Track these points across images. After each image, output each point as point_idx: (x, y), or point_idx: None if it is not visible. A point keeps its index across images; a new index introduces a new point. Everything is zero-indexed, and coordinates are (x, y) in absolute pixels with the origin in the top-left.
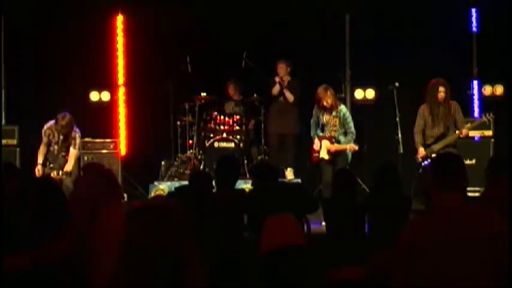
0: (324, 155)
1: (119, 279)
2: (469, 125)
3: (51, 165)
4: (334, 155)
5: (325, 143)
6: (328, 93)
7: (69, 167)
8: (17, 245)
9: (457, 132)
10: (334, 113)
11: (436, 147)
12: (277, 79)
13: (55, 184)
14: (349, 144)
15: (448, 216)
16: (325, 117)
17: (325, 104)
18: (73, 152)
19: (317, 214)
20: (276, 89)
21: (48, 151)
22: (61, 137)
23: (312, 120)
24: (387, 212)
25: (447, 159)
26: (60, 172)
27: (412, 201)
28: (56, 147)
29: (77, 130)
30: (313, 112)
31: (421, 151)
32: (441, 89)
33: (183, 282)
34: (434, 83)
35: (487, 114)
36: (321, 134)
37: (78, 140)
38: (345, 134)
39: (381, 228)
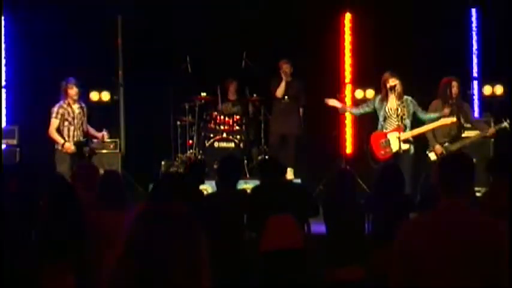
0: (397, 147)
1: (118, 279)
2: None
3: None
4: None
5: (395, 135)
6: (398, 77)
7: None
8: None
9: (482, 132)
10: (400, 102)
11: (453, 146)
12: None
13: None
14: (442, 117)
15: (449, 217)
16: (391, 107)
17: (396, 87)
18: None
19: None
20: (281, 91)
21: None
22: (76, 111)
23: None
24: (388, 212)
25: (456, 163)
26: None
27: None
28: (71, 125)
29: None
30: (375, 105)
31: (438, 148)
32: (454, 83)
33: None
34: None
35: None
36: (383, 129)
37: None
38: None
39: (382, 228)
